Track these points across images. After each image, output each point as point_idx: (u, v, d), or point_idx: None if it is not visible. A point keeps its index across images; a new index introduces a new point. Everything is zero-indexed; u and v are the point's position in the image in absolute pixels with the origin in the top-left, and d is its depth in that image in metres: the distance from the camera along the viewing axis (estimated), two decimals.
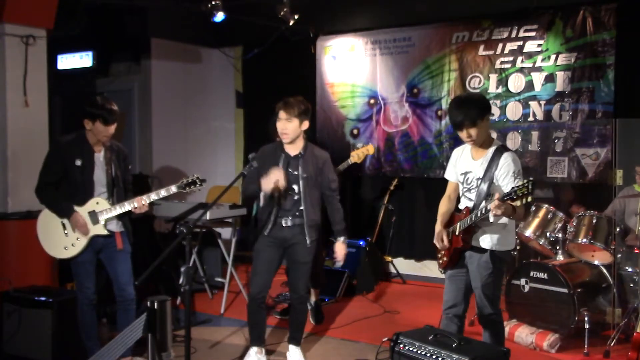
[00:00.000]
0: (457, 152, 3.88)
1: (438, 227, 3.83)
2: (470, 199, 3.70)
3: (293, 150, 4.29)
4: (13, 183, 5.49)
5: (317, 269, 5.63)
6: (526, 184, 3.17)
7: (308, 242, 4.28)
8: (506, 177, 3.53)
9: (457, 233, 3.69)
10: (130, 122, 8.17)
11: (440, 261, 3.88)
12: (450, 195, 3.93)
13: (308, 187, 4.25)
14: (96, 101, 4.20)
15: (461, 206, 3.79)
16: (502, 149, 3.64)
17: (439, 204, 3.94)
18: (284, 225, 4.27)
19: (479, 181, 3.63)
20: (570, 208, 5.87)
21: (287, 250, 4.35)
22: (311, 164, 4.27)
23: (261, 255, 4.33)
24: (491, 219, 3.53)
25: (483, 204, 3.54)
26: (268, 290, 4.37)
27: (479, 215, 3.50)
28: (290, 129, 4.19)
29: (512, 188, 3.25)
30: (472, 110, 3.53)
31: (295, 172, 4.24)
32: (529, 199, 3.20)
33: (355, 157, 5.67)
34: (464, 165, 3.77)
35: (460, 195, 3.83)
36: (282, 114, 4.21)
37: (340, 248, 4.38)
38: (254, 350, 4.37)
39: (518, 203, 3.24)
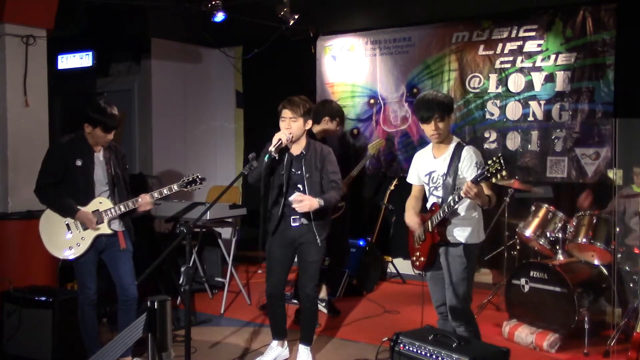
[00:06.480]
0: (418, 156, 3.99)
1: (411, 214, 3.87)
2: (437, 196, 3.77)
3: (296, 149, 4.26)
4: (13, 183, 5.49)
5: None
6: (496, 160, 3.19)
7: (319, 241, 4.25)
8: (470, 167, 3.63)
9: (430, 229, 3.74)
10: (130, 122, 8.17)
11: (417, 262, 3.89)
12: (417, 195, 4.01)
13: (312, 186, 4.21)
14: (99, 106, 4.16)
15: (428, 205, 3.85)
16: (461, 144, 3.75)
17: (406, 202, 3.99)
18: (292, 224, 4.25)
19: (444, 176, 3.71)
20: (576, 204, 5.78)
21: (298, 249, 4.34)
22: (313, 162, 4.23)
23: (272, 255, 4.35)
24: (460, 206, 3.60)
25: (451, 197, 3.59)
26: (283, 287, 4.43)
27: (451, 204, 3.55)
28: (294, 127, 4.16)
29: (484, 167, 3.26)
30: (441, 106, 3.66)
31: (299, 172, 4.21)
32: (504, 173, 3.22)
33: (373, 149, 6.08)
34: (427, 166, 3.86)
35: (428, 195, 3.90)
36: (286, 113, 4.16)
37: (305, 199, 4.06)
38: (274, 343, 4.48)
39: (494, 180, 3.28)
